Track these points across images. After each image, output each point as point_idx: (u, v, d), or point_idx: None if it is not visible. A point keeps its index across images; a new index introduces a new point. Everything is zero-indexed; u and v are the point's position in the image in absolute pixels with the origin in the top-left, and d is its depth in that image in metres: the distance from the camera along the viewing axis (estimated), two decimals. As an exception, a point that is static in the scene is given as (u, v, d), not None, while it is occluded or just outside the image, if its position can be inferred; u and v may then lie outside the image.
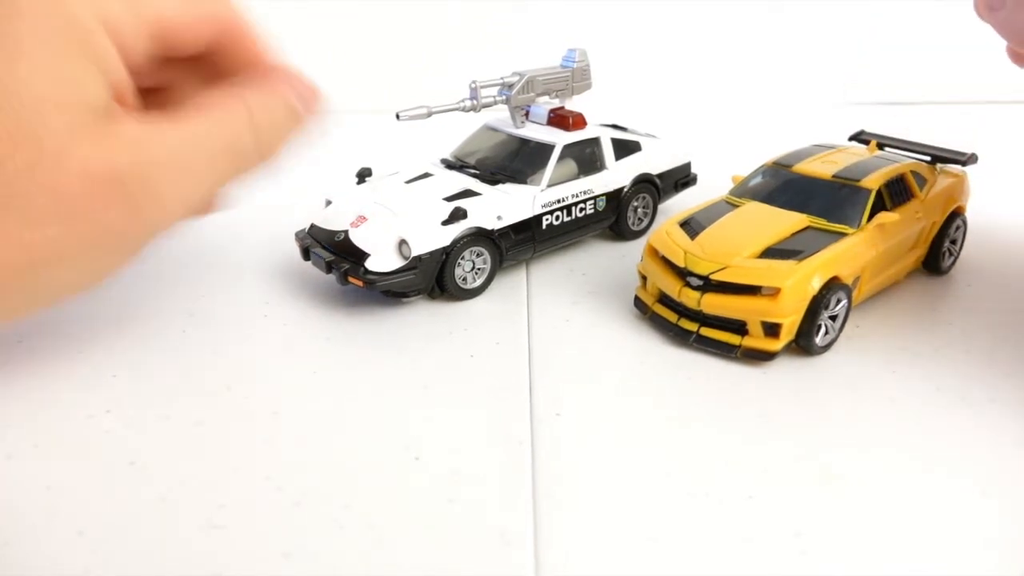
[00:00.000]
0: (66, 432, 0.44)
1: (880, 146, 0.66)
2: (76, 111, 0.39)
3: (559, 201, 0.64)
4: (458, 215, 0.58)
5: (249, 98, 0.47)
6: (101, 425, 0.44)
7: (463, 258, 0.59)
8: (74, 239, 0.39)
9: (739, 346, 0.51)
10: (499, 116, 0.70)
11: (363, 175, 0.66)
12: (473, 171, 0.66)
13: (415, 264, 0.56)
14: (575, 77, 0.70)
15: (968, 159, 0.63)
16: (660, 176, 0.73)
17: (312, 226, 0.61)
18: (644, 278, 0.58)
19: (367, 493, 0.40)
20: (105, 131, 0.40)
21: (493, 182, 0.64)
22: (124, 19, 0.43)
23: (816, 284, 0.50)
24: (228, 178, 0.46)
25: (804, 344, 0.51)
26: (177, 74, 0.52)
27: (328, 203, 0.63)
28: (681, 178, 0.76)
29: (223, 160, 0.45)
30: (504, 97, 0.66)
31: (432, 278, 0.58)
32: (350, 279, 0.56)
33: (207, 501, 0.39)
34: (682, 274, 0.53)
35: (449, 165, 0.68)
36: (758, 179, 0.61)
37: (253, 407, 0.47)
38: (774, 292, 0.50)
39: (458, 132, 0.72)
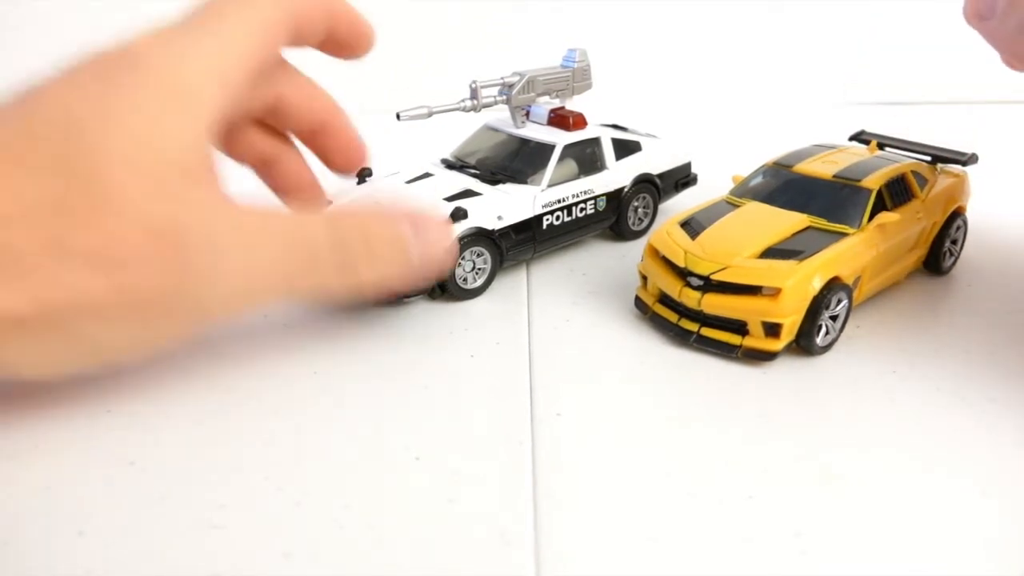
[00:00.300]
0: (66, 432, 0.44)
1: (880, 146, 0.66)
2: (154, 169, 0.40)
3: (560, 201, 0.64)
4: (458, 215, 0.58)
5: (345, 214, 0.47)
6: (101, 425, 0.44)
7: (463, 258, 0.59)
8: (116, 291, 0.39)
9: (740, 346, 0.51)
10: (499, 116, 0.70)
11: (363, 175, 0.66)
12: (473, 171, 0.66)
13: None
14: (575, 77, 0.70)
15: (968, 159, 0.63)
16: (660, 176, 0.73)
17: (312, 226, 0.61)
18: (644, 278, 0.58)
19: (367, 493, 0.40)
20: (177, 191, 0.41)
21: (493, 182, 0.64)
22: (237, 73, 0.46)
23: (817, 284, 0.50)
24: (298, 285, 0.45)
25: (805, 344, 0.51)
26: (290, 88, 0.55)
27: (329, 203, 0.63)
28: (681, 178, 0.76)
29: (292, 261, 0.44)
30: (504, 97, 0.66)
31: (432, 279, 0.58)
32: (350, 279, 0.56)
33: (207, 501, 0.39)
34: (682, 274, 0.53)
35: (449, 165, 0.68)
36: (758, 179, 0.61)
37: (253, 407, 0.47)
38: (775, 292, 0.50)
39: (458, 132, 0.72)
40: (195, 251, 0.40)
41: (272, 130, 0.59)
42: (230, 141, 0.57)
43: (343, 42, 0.56)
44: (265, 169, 0.60)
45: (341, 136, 0.59)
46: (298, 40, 0.53)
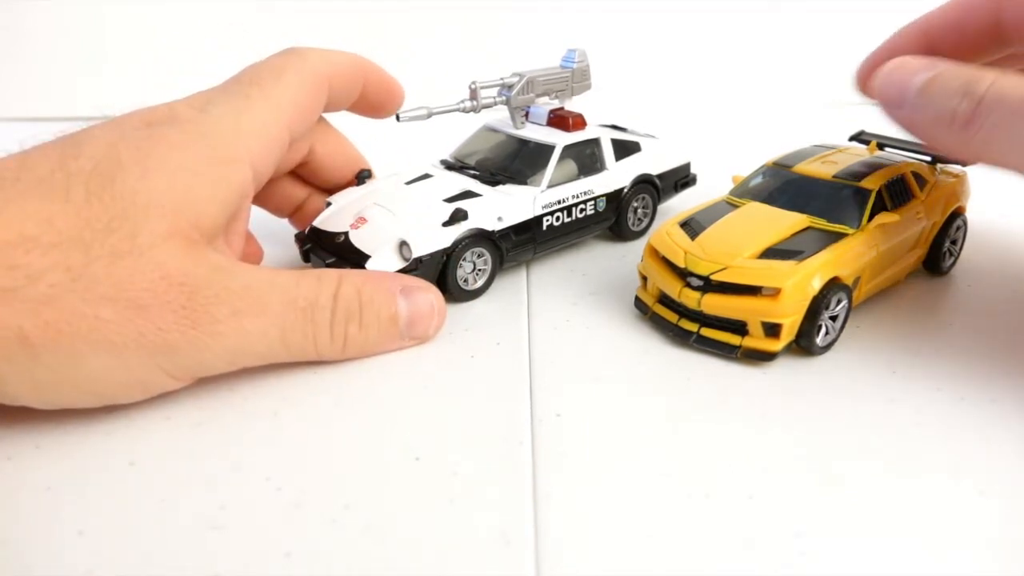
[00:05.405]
0: (66, 432, 0.44)
1: (880, 146, 0.66)
2: (181, 224, 0.43)
3: (560, 202, 0.64)
4: (459, 216, 0.58)
5: (347, 275, 0.50)
6: (101, 425, 0.44)
7: (464, 259, 0.59)
8: (125, 329, 0.40)
9: (739, 346, 0.51)
10: (498, 117, 0.70)
11: (363, 176, 0.66)
12: (473, 172, 0.66)
13: (415, 266, 0.56)
14: (575, 77, 0.70)
15: (968, 159, 0.63)
16: (660, 176, 0.73)
17: (312, 228, 0.61)
18: (644, 278, 0.58)
19: (367, 493, 0.40)
20: (196, 248, 0.43)
21: (493, 183, 0.64)
22: (275, 143, 0.51)
23: (816, 284, 0.50)
24: (291, 338, 0.47)
25: (804, 344, 0.51)
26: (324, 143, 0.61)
27: (328, 204, 0.63)
28: (681, 178, 0.76)
29: (289, 313, 0.46)
30: (504, 98, 0.66)
31: (433, 280, 0.57)
32: (350, 280, 0.56)
33: (207, 501, 0.39)
34: (682, 274, 0.53)
35: (449, 166, 0.68)
36: (758, 179, 0.61)
37: (253, 407, 0.47)
38: (774, 292, 0.50)
39: (457, 133, 0.72)
40: (202, 307, 0.42)
41: (303, 179, 0.63)
42: (267, 195, 0.62)
43: (374, 103, 0.60)
44: (297, 213, 0.65)
45: None
46: (333, 105, 0.57)
